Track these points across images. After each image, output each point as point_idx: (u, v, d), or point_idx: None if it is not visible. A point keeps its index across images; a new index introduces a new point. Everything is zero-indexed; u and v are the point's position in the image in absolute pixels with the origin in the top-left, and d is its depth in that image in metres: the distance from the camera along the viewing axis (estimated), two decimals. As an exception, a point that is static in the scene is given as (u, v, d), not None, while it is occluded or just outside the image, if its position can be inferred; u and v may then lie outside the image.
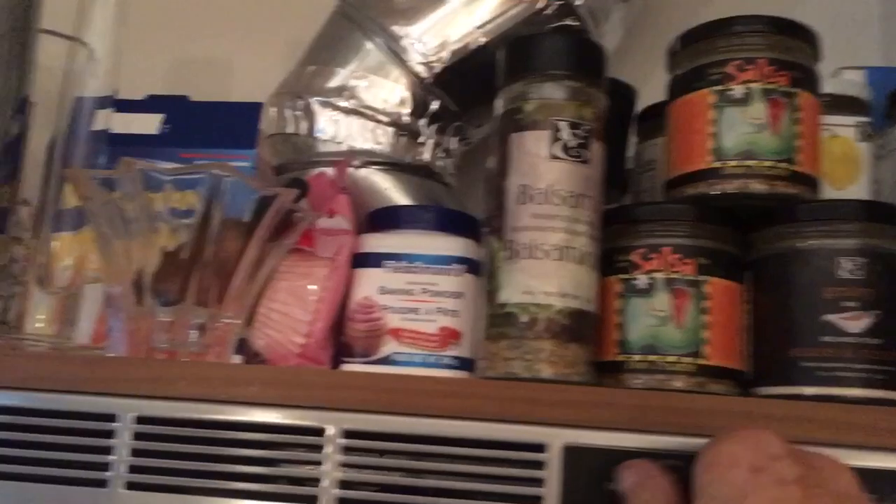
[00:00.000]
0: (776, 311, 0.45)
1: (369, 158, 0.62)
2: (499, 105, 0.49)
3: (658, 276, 0.45)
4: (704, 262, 0.45)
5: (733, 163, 0.46)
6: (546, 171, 0.45)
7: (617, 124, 0.60)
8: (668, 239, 0.46)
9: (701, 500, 0.34)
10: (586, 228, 0.45)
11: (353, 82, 0.63)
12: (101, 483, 0.42)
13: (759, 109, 0.46)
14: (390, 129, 0.63)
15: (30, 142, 0.62)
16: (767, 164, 0.46)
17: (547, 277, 0.44)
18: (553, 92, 0.46)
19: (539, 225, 0.45)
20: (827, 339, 0.43)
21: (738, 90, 0.47)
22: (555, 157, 0.45)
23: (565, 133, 0.45)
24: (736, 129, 0.46)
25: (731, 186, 0.46)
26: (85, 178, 0.50)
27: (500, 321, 0.45)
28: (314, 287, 0.53)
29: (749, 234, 0.47)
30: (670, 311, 0.45)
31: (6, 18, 0.60)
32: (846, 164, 0.54)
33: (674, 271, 0.45)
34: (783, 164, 0.46)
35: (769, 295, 0.46)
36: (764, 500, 0.32)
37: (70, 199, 0.57)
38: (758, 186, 0.46)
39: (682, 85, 0.49)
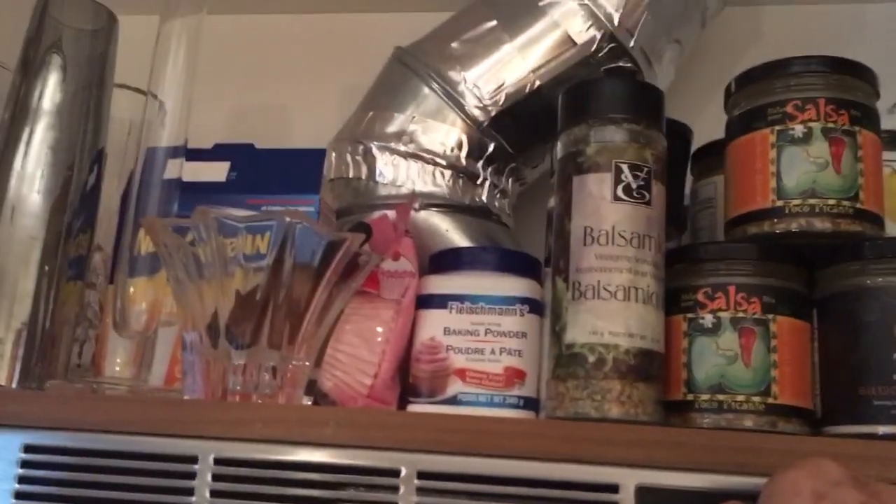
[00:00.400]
0: (845, 350, 0.45)
1: (429, 200, 0.63)
2: (560, 148, 0.50)
3: (723, 314, 0.46)
4: (770, 300, 0.46)
5: (796, 201, 0.46)
6: (610, 213, 0.46)
7: (674, 163, 0.61)
8: (732, 278, 0.46)
9: None
10: (651, 269, 0.46)
11: (411, 127, 0.64)
12: (183, 523, 0.43)
13: (820, 148, 0.47)
14: (448, 172, 0.64)
15: (103, 191, 0.64)
16: (831, 202, 0.46)
17: (613, 318, 0.45)
18: (614, 135, 0.47)
19: (604, 266, 0.45)
20: (899, 376, 0.43)
21: (798, 129, 0.47)
22: (618, 199, 0.46)
23: (627, 175, 0.46)
24: (798, 168, 0.47)
25: (794, 225, 0.46)
26: (160, 226, 0.51)
27: (567, 361, 0.45)
28: (380, 328, 0.54)
29: (814, 272, 0.48)
30: (737, 349, 0.45)
31: (83, 73, 0.63)
32: (907, 200, 0.54)
33: (740, 310, 0.46)
34: (846, 202, 0.46)
35: (837, 333, 0.46)
36: None
37: (144, 245, 0.59)
38: (822, 225, 0.46)
39: (740, 125, 0.50)
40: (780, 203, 0.47)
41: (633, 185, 0.46)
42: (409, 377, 0.54)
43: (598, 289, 0.45)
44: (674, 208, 0.60)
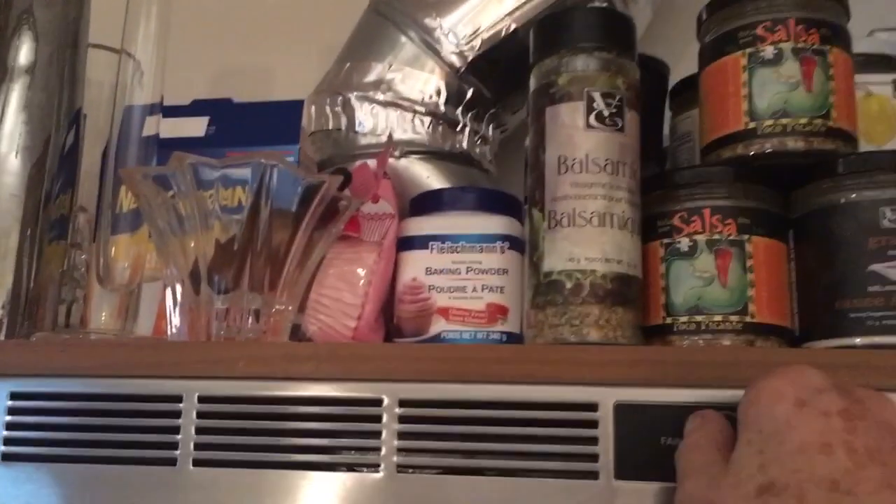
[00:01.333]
0: (821, 266, 0.45)
1: (409, 148, 0.63)
2: (532, 82, 0.50)
3: (699, 237, 0.46)
4: (745, 221, 0.46)
5: (768, 122, 0.46)
6: (583, 141, 0.46)
7: (652, 100, 0.61)
8: (707, 201, 0.47)
9: (746, 434, 0.34)
10: (625, 195, 0.46)
11: (389, 75, 0.64)
12: (170, 462, 0.43)
13: (791, 68, 0.47)
14: (427, 119, 0.64)
15: (83, 152, 0.64)
16: (803, 121, 0.46)
17: (589, 244, 0.45)
18: (585, 64, 0.47)
19: (579, 193, 0.45)
20: (874, 288, 0.43)
21: (769, 51, 0.47)
22: (590, 127, 0.46)
23: (599, 103, 0.46)
24: (769, 89, 0.47)
25: (768, 145, 0.46)
26: (138, 177, 0.52)
27: (545, 290, 0.46)
28: (363, 271, 0.54)
29: (789, 193, 0.48)
30: (714, 271, 0.45)
31: (57, 35, 0.63)
32: (883, 122, 0.54)
33: (715, 232, 0.46)
34: (818, 121, 0.46)
35: (813, 250, 0.46)
36: (808, 433, 0.32)
37: (126, 203, 0.60)
38: (794, 144, 0.46)
39: (712, 51, 0.50)
40: (752, 125, 0.47)
41: (606, 113, 0.46)
42: (392, 318, 0.54)
43: (574, 216, 0.45)
44: (652, 144, 0.60)
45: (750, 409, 0.35)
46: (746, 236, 0.46)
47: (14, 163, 0.58)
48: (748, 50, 0.48)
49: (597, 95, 0.47)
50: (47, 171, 0.61)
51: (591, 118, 0.46)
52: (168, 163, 0.50)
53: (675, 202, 0.47)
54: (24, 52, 0.61)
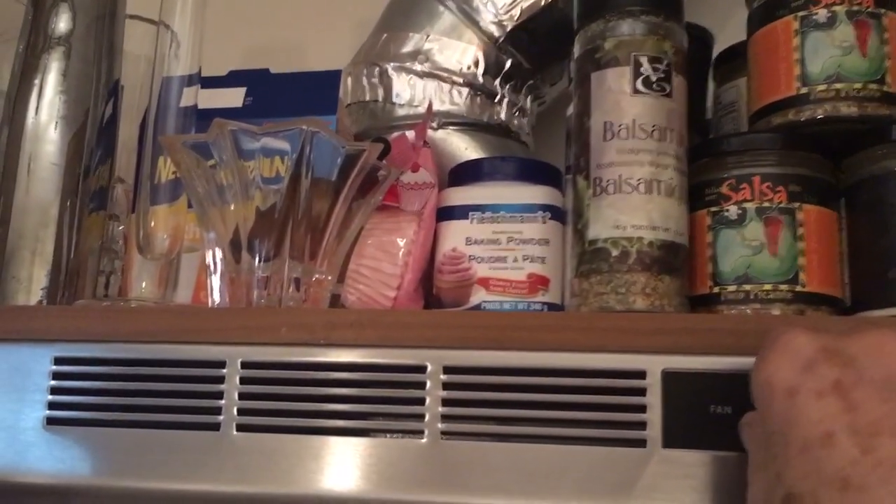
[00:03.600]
0: (873, 234, 0.44)
1: (446, 119, 0.63)
2: (577, 48, 0.49)
3: (748, 205, 0.45)
4: (795, 189, 0.45)
5: (821, 87, 0.45)
6: (629, 106, 0.45)
7: (695, 69, 0.60)
8: (757, 168, 0.46)
9: (763, 427, 0.33)
10: (673, 161, 0.45)
11: (426, 46, 0.64)
12: (214, 427, 0.43)
13: (845, 32, 0.45)
14: (465, 90, 0.63)
15: (121, 125, 0.64)
16: (857, 86, 0.45)
17: (636, 211, 0.44)
18: (632, 28, 0.46)
19: (625, 160, 0.45)
20: (929, 257, 0.42)
21: (822, 14, 0.46)
22: (637, 92, 0.45)
23: (647, 67, 0.45)
24: (822, 53, 0.46)
25: (820, 111, 0.45)
26: (178, 144, 0.51)
27: (590, 258, 0.45)
28: (402, 241, 0.54)
29: (841, 160, 0.47)
30: (763, 239, 0.44)
31: (94, 6, 0.63)
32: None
33: (765, 200, 0.45)
34: (873, 86, 0.45)
35: (865, 219, 0.45)
36: (806, 427, 0.30)
37: (164, 173, 0.60)
38: (848, 109, 0.45)
39: (762, 15, 0.49)
40: (804, 90, 0.46)
41: (653, 78, 0.46)
42: (432, 289, 0.54)
43: (620, 183, 0.45)
44: (695, 115, 0.59)
45: (756, 403, 0.34)
46: (797, 204, 0.45)
47: (54, 132, 0.58)
48: (800, 13, 0.47)
49: (644, 60, 0.46)
50: (86, 143, 0.61)
51: (639, 83, 0.45)
52: (209, 130, 0.50)
53: (723, 170, 0.46)
54: (62, 23, 0.61)
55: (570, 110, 0.54)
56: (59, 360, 0.46)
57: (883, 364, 0.30)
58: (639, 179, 0.44)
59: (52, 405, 0.45)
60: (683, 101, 0.47)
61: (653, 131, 0.45)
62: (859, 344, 0.31)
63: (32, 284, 0.55)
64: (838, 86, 0.45)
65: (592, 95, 0.46)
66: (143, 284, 0.57)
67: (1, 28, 0.66)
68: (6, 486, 0.45)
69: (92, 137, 0.62)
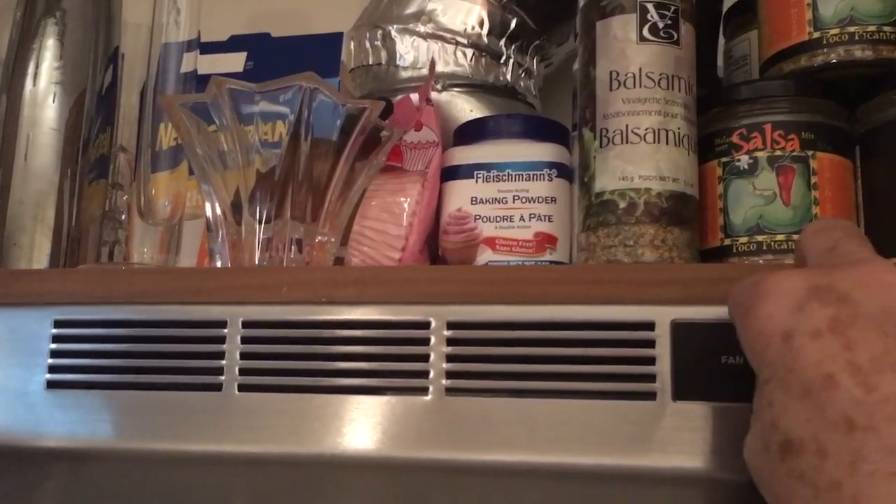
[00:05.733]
0: (889, 182, 0.43)
1: (451, 81, 0.62)
2: (582, -2, 0.48)
3: (760, 154, 0.44)
4: (809, 136, 0.44)
5: (834, 31, 0.44)
6: (636, 55, 0.44)
7: (706, 25, 0.58)
8: (768, 117, 0.44)
9: (759, 375, 0.31)
10: (681, 110, 0.44)
11: (430, 6, 0.62)
12: (216, 387, 0.42)
13: (858, -27, 0.44)
14: (470, 51, 0.62)
15: (121, 94, 0.64)
16: (871, 28, 0.43)
17: (643, 161, 0.43)
18: (638, -26, 0.45)
19: (632, 109, 0.43)
20: (949, 202, 0.40)
21: (834, -44, 0.44)
22: (644, 40, 0.44)
23: (653, 14, 0.44)
24: (835, -4, 0.44)
25: (833, 55, 0.44)
26: (177, 105, 0.51)
27: (597, 210, 0.44)
28: (406, 202, 0.53)
29: (855, 107, 0.45)
30: (776, 189, 0.43)
31: (92, -28, 0.62)
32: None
33: (777, 148, 0.44)
34: (888, 28, 0.43)
35: (881, 166, 0.43)
36: (805, 371, 0.28)
37: (165, 140, 0.59)
38: (862, 53, 0.44)
39: (773, -40, 0.47)
40: (816, 35, 0.44)
41: (660, 25, 0.44)
42: (437, 250, 0.53)
43: (627, 133, 0.43)
44: (705, 71, 0.57)
45: (749, 357, 0.32)
46: (810, 152, 0.43)
47: (52, 99, 0.58)
48: (811, -44, 0.45)
49: (650, 6, 0.44)
50: (86, 111, 0.61)
51: (645, 30, 0.44)
52: (206, 89, 0.49)
53: (733, 119, 0.45)
54: (60, -14, 0.61)
55: (577, 65, 0.52)
56: (59, 323, 0.45)
57: (877, 297, 0.29)
58: (646, 129, 0.43)
59: (52, 368, 0.45)
60: (692, 50, 0.45)
61: (660, 80, 0.44)
62: (850, 278, 0.29)
63: (34, 251, 0.55)
64: (851, 29, 0.44)
65: (597, 44, 0.45)
66: (146, 251, 0.56)
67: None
68: (9, 449, 0.45)
69: (91, 105, 0.61)
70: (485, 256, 0.51)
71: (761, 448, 0.30)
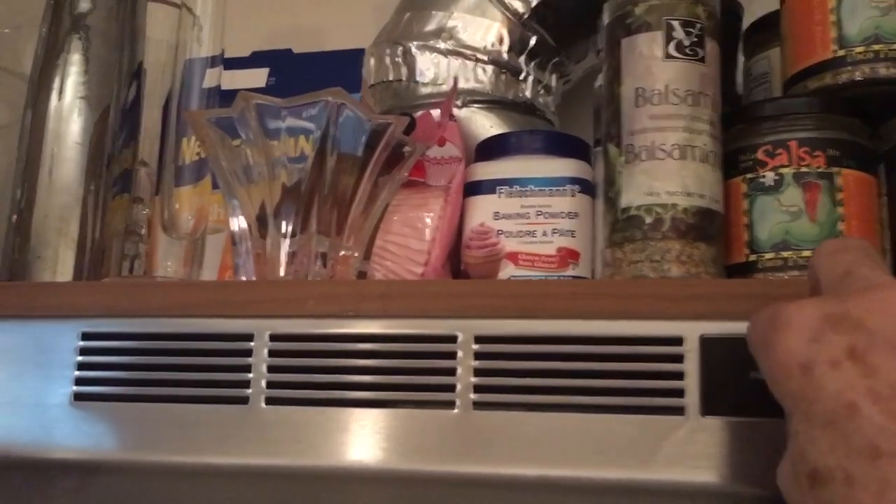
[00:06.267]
0: (915, 199, 0.43)
1: (471, 97, 0.62)
2: (606, 14, 0.48)
3: (785, 171, 0.44)
4: (834, 153, 0.44)
5: (859, 49, 0.44)
6: (661, 72, 0.44)
7: (726, 42, 0.59)
8: (793, 133, 0.44)
9: (785, 408, 0.31)
10: (707, 127, 0.44)
11: (450, 23, 0.63)
12: (242, 400, 0.43)
13: (882, -8, 0.44)
14: (490, 68, 0.63)
15: (144, 109, 0.64)
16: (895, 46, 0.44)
17: (669, 177, 0.43)
18: (663, -8, 0.45)
19: (658, 126, 0.44)
20: (975, 220, 0.41)
21: (859, -26, 0.45)
22: (670, 57, 0.44)
23: (679, 32, 0.45)
24: (860, 14, 0.44)
25: (858, 73, 0.44)
26: (203, 120, 0.51)
27: (623, 226, 0.44)
28: (429, 217, 0.53)
29: (879, 124, 0.45)
30: (801, 205, 0.43)
31: (117, -12, 0.63)
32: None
33: (803, 165, 0.44)
34: (913, 46, 0.44)
35: (906, 183, 0.44)
36: (828, 401, 0.29)
37: (188, 154, 0.59)
38: (887, 71, 0.44)
39: (796, -21, 0.48)
40: (841, 53, 0.45)
41: (686, 42, 0.45)
42: (459, 265, 0.53)
43: (653, 149, 0.44)
44: (727, 89, 0.58)
45: (770, 385, 0.32)
46: (836, 169, 0.44)
47: (77, 114, 0.58)
48: (836, -25, 0.45)
49: (676, 24, 0.45)
50: (110, 126, 0.61)
51: (671, 48, 0.44)
52: (233, 103, 0.49)
53: (758, 136, 0.45)
54: (84, 4, 0.61)
55: (598, 82, 0.53)
56: (86, 336, 0.45)
57: (892, 322, 0.29)
58: (672, 145, 0.43)
59: (79, 381, 0.45)
60: (717, 67, 0.46)
61: (686, 96, 0.44)
62: (864, 305, 0.29)
63: (58, 265, 0.55)
64: (876, 47, 0.44)
65: (623, 62, 0.46)
66: (169, 264, 0.56)
67: (24, 11, 0.66)
68: (35, 461, 0.45)
69: (115, 120, 0.61)
70: (507, 271, 0.51)
71: (792, 477, 0.30)
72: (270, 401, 0.42)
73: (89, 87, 0.58)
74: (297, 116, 0.50)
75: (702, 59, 0.45)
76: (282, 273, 0.49)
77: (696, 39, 0.44)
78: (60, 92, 0.58)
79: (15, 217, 0.56)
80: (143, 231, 0.63)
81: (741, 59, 0.62)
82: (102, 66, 0.60)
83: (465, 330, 0.41)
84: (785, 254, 0.43)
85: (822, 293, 0.32)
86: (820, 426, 0.29)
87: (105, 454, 0.44)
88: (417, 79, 0.63)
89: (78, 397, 0.45)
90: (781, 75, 0.49)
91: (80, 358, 0.45)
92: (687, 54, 0.44)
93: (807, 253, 0.43)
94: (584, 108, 0.66)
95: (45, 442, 0.45)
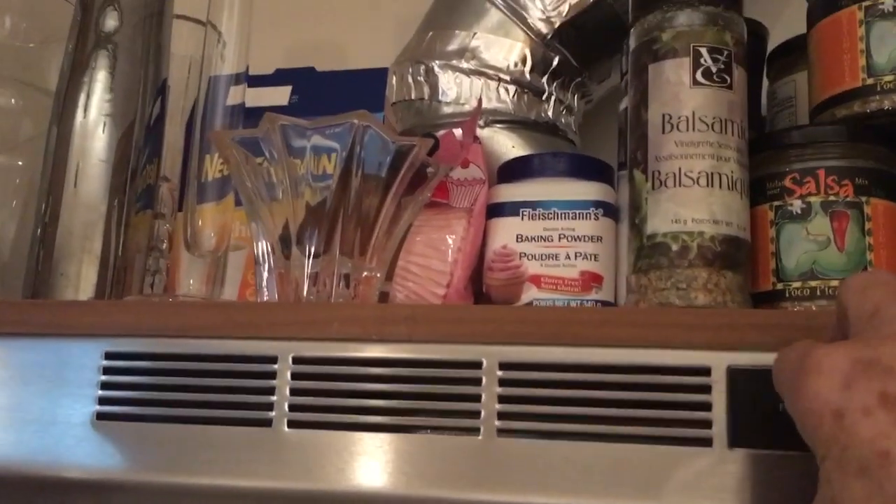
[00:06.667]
0: (945, 229, 0.42)
1: (493, 117, 0.62)
2: (633, 39, 0.48)
3: (813, 199, 0.44)
4: (863, 182, 0.43)
5: (888, 77, 0.44)
6: (689, 98, 0.44)
7: (750, 65, 0.58)
8: (821, 162, 0.44)
9: (819, 458, 0.31)
10: (734, 154, 0.44)
11: (473, 43, 0.63)
12: (265, 423, 0.43)
13: (912, 20, 0.44)
14: (512, 88, 0.63)
15: (167, 126, 0.64)
16: (926, 75, 0.43)
17: (696, 204, 0.43)
18: (690, 19, 0.45)
19: (685, 153, 0.44)
20: None
21: (888, 2, 0.45)
22: (697, 84, 0.44)
23: (706, 59, 0.44)
24: (889, 43, 0.44)
25: (887, 102, 0.44)
26: (227, 140, 0.51)
27: (649, 253, 0.44)
28: (452, 238, 0.53)
29: (908, 154, 0.45)
30: (830, 234, 0.43)
31: (142, 6, 0.63)
32: None
33: (831, 194, 0.43)
34: (943, 76, 0.43)
35: (936, 213, 0.43)
36: (860, 449, 0.28)
37: (211, 171, 0.59)
38: (917, 100, 0.43)
39: (825, 5, 0.47)
40: (870, 81, 0.44)
41: (713, 69, 0.44)
42: (482, 287, 0.53)
43: (680, 176, 0.43)
44: (751, 112, 0.57)
45: (801, 430, 0.31)
46: (864, 198, 0.43)
47: (102, 131, 0.58)
48: (865, 3, 0.45)
49: (704, 51, 0.45)
50: (134, 142, 0.61)
51: (698, 74, 0.44)
52: (259, 124, 0.49)
53: (785, 163, 0.45)
54: (110, 22, 0.61)
55: (623, 104, 0.53)
56: (109, 355, 0.45)
57: None
58: (699, 172, 0.43)
59: (101, 400, 0.45)
60: (744, 94, 0.45)
61: (713, 123, 0.44)
62: (884, 347, 0.29)
63: (81, 281, 0.55)
64: (906, 76, 0.44)
65: (650, 87, 0.45)
66: (191, 282, 0.56)
67: (50, 26, 0.67)
68: (56, 481, 0.45)
69: (140, 137, 0.62)
70: (530, 294, 0.51)
71: None
72: (293, 424, 0.42)
73: (114, 103, 0.58)
74: (321, 135, 0.50)
75: (729, 86, 0.44)
76: (304, 294, 0.49)
77: (723, 66, 0.44)
78: (86, 109, 0.58)
79: (39, 232, 0.56)
80: (165, 246, 0.63)
81: (766, 81, 0.62)
82: (127, 82, 0.60)
83: (490, 356, 0.41)
84: (812, 283, 0.43)
85: (850, 331, 0.32)
86: (853, 474, 0.28)
87: (127, 475, 0.44)
88: (440, 98, 0.63)
89: (101, 416, 0.45)
90: (809, 102, 0.49)
91: (103, 377, 0.45)
92: (714, 81, 0.44)
93: (834, 283, 0.43)
94: (606, 128, 0.66)
95: (66, 461, 0.45)
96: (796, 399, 0.31)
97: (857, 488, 0.28)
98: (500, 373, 0.41)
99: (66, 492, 0.45)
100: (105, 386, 0.45)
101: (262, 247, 0.51)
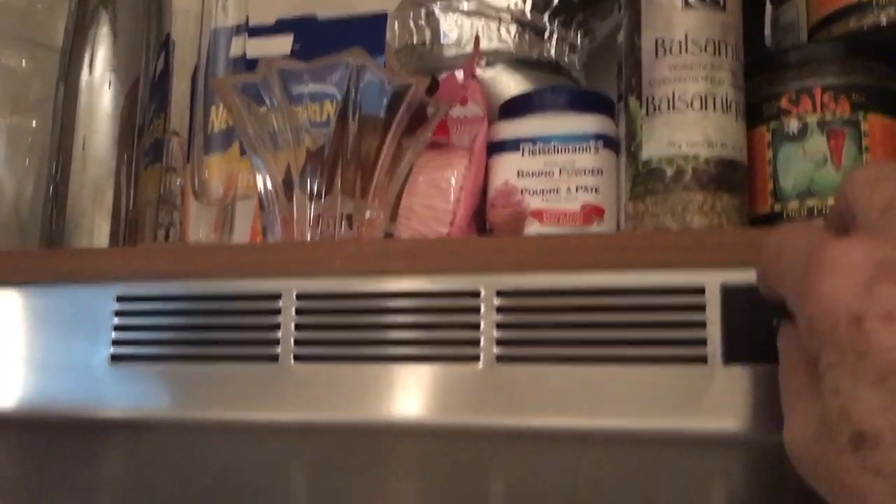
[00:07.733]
0: (945, 143, 0.42)
1: (495, 57, 0.62)
2: (625, -34, 0.47)
3: (810, 118, 0.43)
4: (859, 99, 0.43)
5: (885, -9, 0.43)
6: (681, 21, 0.44)
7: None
8: (817, 80, 0.44)
9: (823, 357, 0.28)
10: (728, 76, 0.44)
11: (473, -17, 0.63)
12: (272, 358, 0.44)
13: (909, -69, 0.43)
14: (514, 27, 0.62)
15: (173, 80, 0.65)
16: (923, -13, 0.43)
17: (690, 128, 0.43)
18: (682, -59, 0.45)
19: (678, 76, 0.43)
20: None
21: (883, -85, 0.44)
22: (689, 6, 0.44)
23: (699, -20, 0.44)
24: (885, -44, 0.43)
25: (883, 16, 0.43)
26: (229, 86, 0.52)
27: (644, 178, 0.44)
28: (453, 177, 0.53)
29: (907, 69, 0.45)
30: (826, 153, 0.43)
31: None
32: None
33: (827, 112, 0.43)
34: (941, -13, 0.43)
35: (935, 127, 0.43)
36: (880, 355, 0.26)
37: (216, 123, 0.60)
38: (914, 13, 0.43)
39: (820, -78, 0.47)
40: (866, -4, 0.44)
41: (706, -9, 0.44)
42: (485, 224, 0.53)
43: (673, 100, 0.43)
44: (755, 42, 0.57)
45: (806, 333, 0.29)
46: (861, 114, 0.43)
47: (108, 85, 0.59)
48: (861, -84, 0.44)
49: (695, -28, 0.44)
50: (140, 97, 0.62)
51: (690, -4, 0.44)
52: (257, 69, 0.50)
53: (781, 84, 0.45)
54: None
55: (621, 36, 0.52)
56: (120, 298, 0.47)
57: None
58: (693, 95, 0.43)
59: (116, 342, 0.46)
60: (738, 14, 0.45)
61: (706, 45, 0.43)
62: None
63: (94, 234, 0.57)
64: (903, -12, 0.43)
65: (643, 13, 0.45)
66: (201, 231, 0.58)
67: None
68: (78, 421, 0.46)
69: (145, 92, 0.63)
70: (532, 229, 0.51)
71: (822, 438, 0.28)
72: (299, 358, 0.43)
73: (119, 59, 0.59)
74: (320, 81, 0.51)
75: (722, 7, 0.44)
76: (308, 235, 0.50)
77: (716, -13, 0.44)
78: (91, 65, 0.59)
79: (51, 189, 0.57)
80: (178, 200, 0.65)
81: (769, 7, 0.61)
82: (131, 38, 0.61)
83: (487, 285, 0.42)
84: (810, 202, 0.43)
85: (854, 225, 0.29)
86: (870, 384, 0.26)
87: (141, 413, 0.46)
88: (441, 41, 0.63)
89: (115, 359, 0.46)
90: (807, 23, 0.48)
91: (116, 320, 0.46)
92: (706, 3, 0.44)
93: (832, 201, 0.42)
94: (610, 66, 0.65)
95: (84, 401, 0.46)
96: (806, 299, 0.28)
97: (874, 399, 0.26)
98: (497, 300, 0.41)
99: (83, 431, 0.47)
100: (118, 328, 0.46)
101: (266, 192, 0.52)
